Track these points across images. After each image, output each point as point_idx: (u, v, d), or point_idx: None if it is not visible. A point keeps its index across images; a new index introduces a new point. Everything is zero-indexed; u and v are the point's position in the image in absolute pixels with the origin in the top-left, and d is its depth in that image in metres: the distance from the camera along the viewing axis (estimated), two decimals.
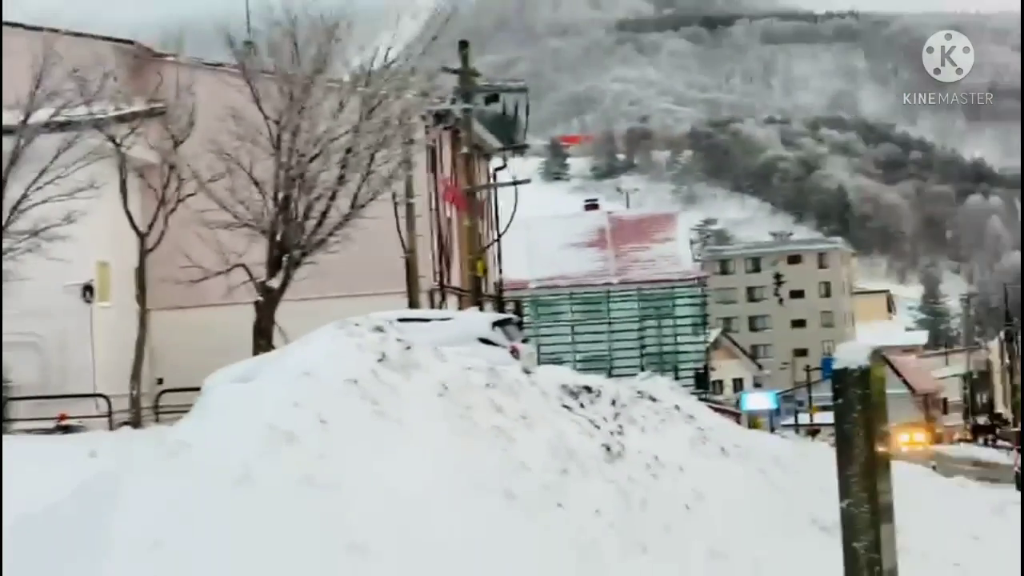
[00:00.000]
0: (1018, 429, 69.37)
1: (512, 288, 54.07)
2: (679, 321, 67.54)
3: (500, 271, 42.43)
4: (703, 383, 67.45)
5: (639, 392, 13.03)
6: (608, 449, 9.72)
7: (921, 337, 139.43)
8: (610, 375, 61.59)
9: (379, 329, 8.59)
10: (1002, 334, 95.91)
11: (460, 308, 34.18)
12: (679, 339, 68.60)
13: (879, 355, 5.80)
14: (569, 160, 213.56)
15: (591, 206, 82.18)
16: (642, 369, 68.31)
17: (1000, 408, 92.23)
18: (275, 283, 21.79)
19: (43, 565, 5.78)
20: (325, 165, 22.01)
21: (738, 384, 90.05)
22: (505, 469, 7.74)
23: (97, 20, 30.19)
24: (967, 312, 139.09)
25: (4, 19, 24.63)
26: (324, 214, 22.21)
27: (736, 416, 57.77)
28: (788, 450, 15.88)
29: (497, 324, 18.53)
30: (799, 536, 9.32)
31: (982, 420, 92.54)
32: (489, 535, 6.94)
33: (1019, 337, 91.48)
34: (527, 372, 11.10)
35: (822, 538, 8.94)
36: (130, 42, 28.15)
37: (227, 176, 22.44)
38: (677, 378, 67.41)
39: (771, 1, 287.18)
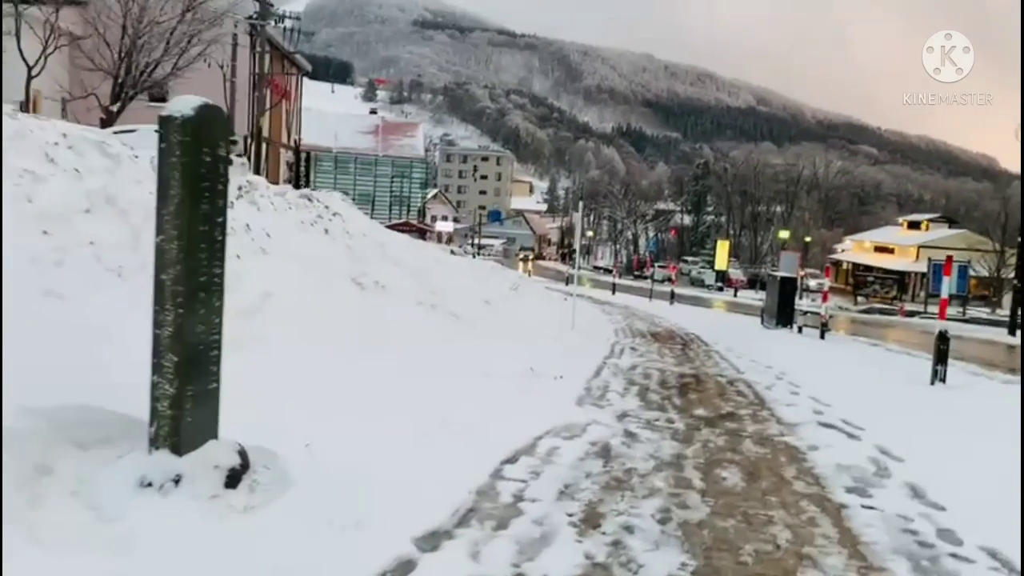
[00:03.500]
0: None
1: (317, 149, 50.04)
2: (414, 182, 64.95)
3: (299, 135, 38.03)
4: (422, 215, 65.63)
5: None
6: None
7: (543, 207, 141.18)
8: (373, 205, 57.88)
9: None
10: (580, 208, 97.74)
11: (267, 151, 30.27)
12: (413, 191, 66.03)
13: (215, 110, 3.29)
14: (378, 92, 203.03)
15: (373, 112, 77.53)
16: (391, 207, 65.04)
17: (575, 245, 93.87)
18: (114, 108, 17.83)
19: None
20: (154, 41, 18.01)
21: (444, 218, 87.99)
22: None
23: None
24: (567, 196, 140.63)
25: None
26: (152, 71, 18.27)
27: (425, 233, 55.99)
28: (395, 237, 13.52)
29: None
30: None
31: (564, 250, 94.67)
32: None
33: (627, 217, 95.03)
34: None
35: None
36: None
37: (91, 38, 18.27)
38: (409, 212, 64.90)
39: (495, 20, 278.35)
